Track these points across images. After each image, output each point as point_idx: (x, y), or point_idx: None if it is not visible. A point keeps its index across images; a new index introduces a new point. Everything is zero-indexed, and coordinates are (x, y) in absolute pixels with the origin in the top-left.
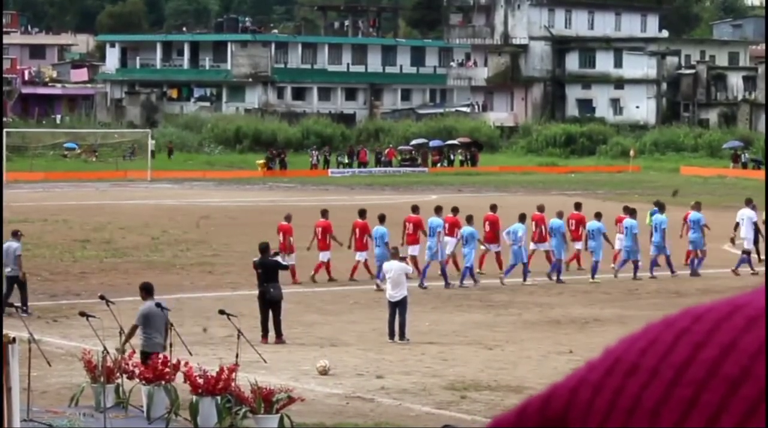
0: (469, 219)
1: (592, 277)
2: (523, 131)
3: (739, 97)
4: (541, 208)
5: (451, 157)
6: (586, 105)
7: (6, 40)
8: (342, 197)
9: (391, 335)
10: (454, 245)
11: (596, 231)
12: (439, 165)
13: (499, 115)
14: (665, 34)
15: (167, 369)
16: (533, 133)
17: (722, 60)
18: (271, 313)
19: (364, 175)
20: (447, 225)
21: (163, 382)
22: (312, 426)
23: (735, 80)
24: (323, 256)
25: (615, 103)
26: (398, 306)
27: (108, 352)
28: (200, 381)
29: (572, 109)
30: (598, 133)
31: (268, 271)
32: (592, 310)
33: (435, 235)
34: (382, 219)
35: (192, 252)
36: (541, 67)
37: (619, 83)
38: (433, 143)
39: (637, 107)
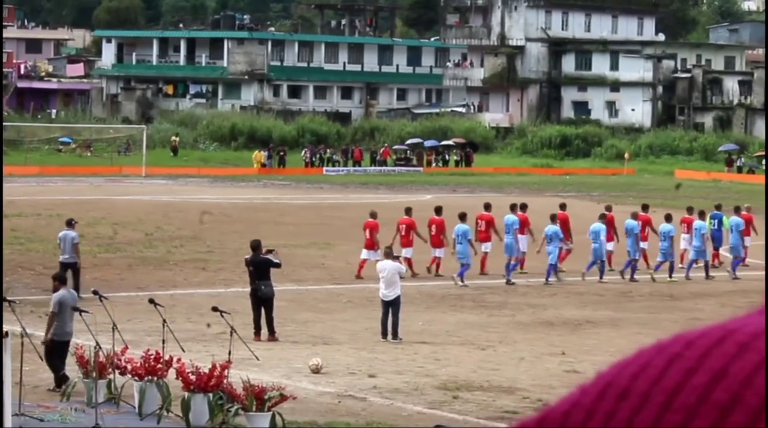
0: (553, 218)
1: (670, 276)
2: (518, 132)
3: (735, 102)
4: (609, 208)
5: (446, 157)
6: (581, 107)
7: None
8: (336, 195)
9: (384, 334)
10: (526, 243)
11: (667, 234)
12: (433, 165)
13: (495, 116)
14: (662, 37)
15: (159, 365)
16: (528, 135)
17: (718, 64)
18: (263, 311)
19: (359, 174)
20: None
21: (155, 378)
22: (303, 424)
23: (731, 84)
24: (406, 252)
25: (610, 105)
26: (391, 306)
27: (101, 347)
28: (192, 377)
29: (568, 111)
30: (593, 135)
31: (259, 269)
32: (584, 312)
33: (512, 232)
34: (462, 217)
35: (186, 249)
36: (537, 69)
37: (615, 86)
38: (428, 143)
39: (633, 110)
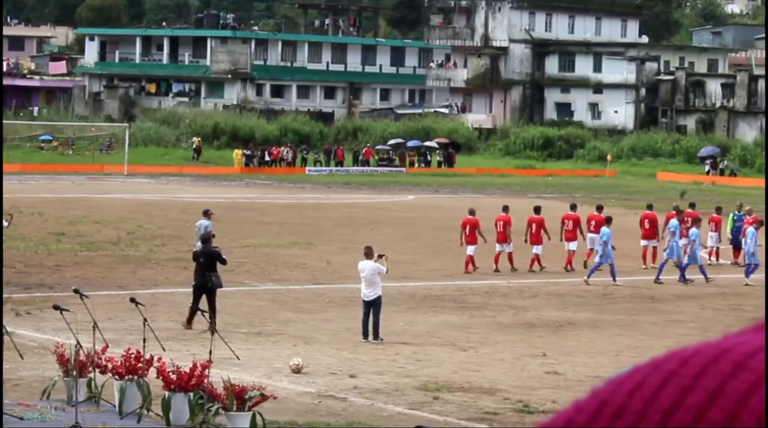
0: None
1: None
2: (501, 133)
3: (717, 104)
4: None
5: (429, 157)
6: (564, 108)
7: None
8: (319, 195)
9: (365, 335)
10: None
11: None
12: (416, 165)
13: (478, 117)
14: (645, 39)
15: (140, 364)
16: (511, 136)
17: (701, 67)
18: (207, 301)
19: (341, 174)
20: (594, 222)
21: (135, 377)
22: (284, 424)
23: (713, 87)
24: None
25: (593, 107)
26: (372, 306)
27: (81, 346)
28: (173, 376)
29: (551, 113)
30: (575, 136)
31: (209, 260)
32: (566, 314)
33: (671, 235)
34: (608, 220)
35: (167, 248)
36: (520, 70)
37: (598, 87)
38: (410, 143)
39: (616, 112)
